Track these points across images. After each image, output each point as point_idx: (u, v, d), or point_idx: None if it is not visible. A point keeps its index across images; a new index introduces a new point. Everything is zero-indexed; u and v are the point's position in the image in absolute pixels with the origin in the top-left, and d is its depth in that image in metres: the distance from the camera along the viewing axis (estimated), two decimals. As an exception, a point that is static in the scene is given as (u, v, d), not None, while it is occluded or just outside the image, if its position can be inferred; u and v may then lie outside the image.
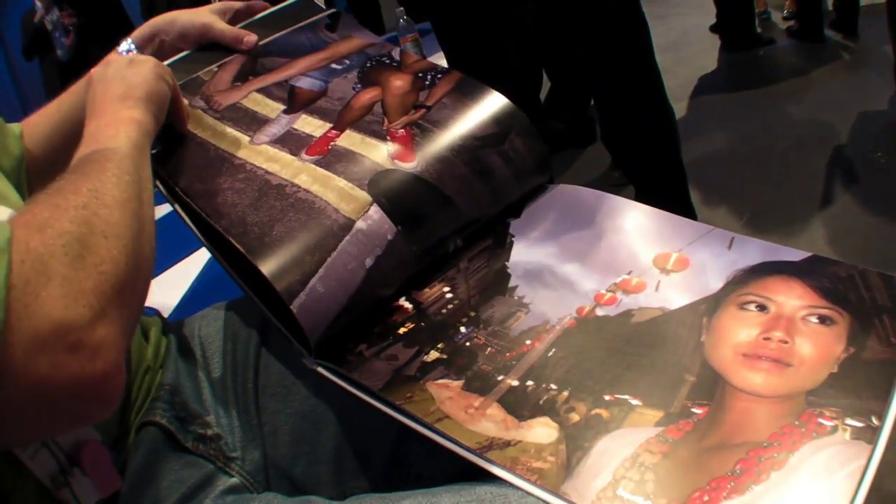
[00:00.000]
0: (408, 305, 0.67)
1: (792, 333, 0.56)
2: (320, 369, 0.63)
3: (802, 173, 2.40)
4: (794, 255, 0.62)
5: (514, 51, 1.93)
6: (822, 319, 0.56)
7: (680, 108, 3.17)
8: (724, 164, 2.66)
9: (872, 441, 0.47)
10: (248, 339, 0.79)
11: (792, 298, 0.58)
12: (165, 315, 1.39)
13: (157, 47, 0.91)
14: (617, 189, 2.61)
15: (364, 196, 0.70)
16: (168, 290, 1.47)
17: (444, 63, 2.25)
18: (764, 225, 2.21)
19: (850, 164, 2.38)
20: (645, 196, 2.08)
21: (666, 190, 2.02)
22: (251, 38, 0.89)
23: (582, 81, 1.96)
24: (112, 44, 0.91)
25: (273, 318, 0.68)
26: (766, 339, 0.56)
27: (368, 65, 0.89)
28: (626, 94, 1.90)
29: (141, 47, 0.91)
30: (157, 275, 1.59)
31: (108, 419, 0.67)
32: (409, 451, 0.71)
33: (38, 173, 0.88)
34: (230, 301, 0.85)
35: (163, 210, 0.76)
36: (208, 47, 0.91)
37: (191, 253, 1.64)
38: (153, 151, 0.74)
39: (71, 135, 0.92)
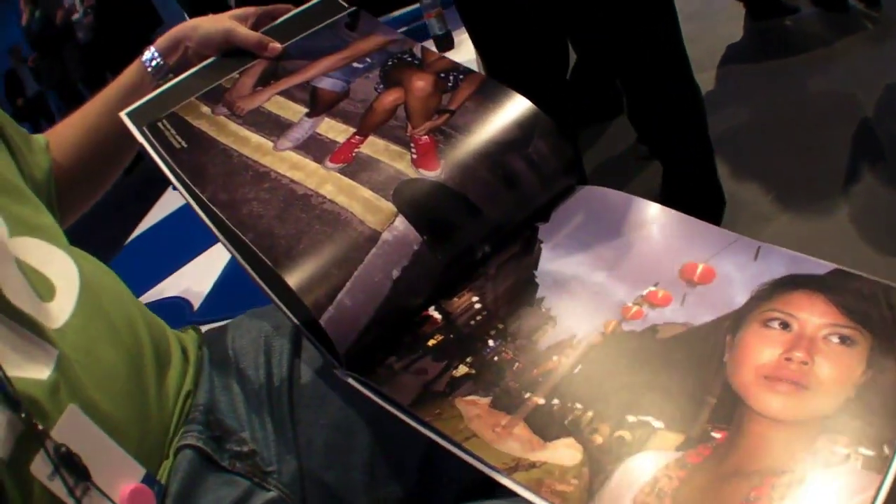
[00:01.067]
0: (437, 315, 0.68)
1: (812, 354, 0.56)
2: (351, 381, 0.64)
3: (827, 147, 2.38)
4: (819, 267, 0.62)
5: (538, 31, 1.92)
6: (843, 339, 0.57)
7: (706, 79, 3.14)
8: (749, 137, 2.63)
9: (882, 471, 0.47)
10: (282, 350, 0.80)
11: (815, 315, 0.58)
12: (195, 305, 1.41)
13: (181, 55, 0.92)
14: (644, 162, 2.60)
15: (389, 207, 0.70)
16: (197, 278, 1.49)
17: (468, 42, 2.25)
18: (790, 202, 2.20)
19: (875, 138, 2.35)
20: (672, 172, 2.08)
21: (693, 166, 2.01)
22: (275, 45, 0.90)
23: (606, 61, 1.94)
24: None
25: (303, 328, 0.69)
26: (788, 359, 0.56)
27: (390, 63, 0.89)
28: (651, 73, 1.88)
29: (165, 55, 0.92)
30: (185, 263, 1.61)
31: (150, 448, 0.68)
32: (440, 456, 0.72)
33: (64, 184, 0.89)
34: (262, 308, 0.86)
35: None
36: (232, 53, 0.91)
37: (218, 241, 1.65)
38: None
39: (97, 145, 0.93)
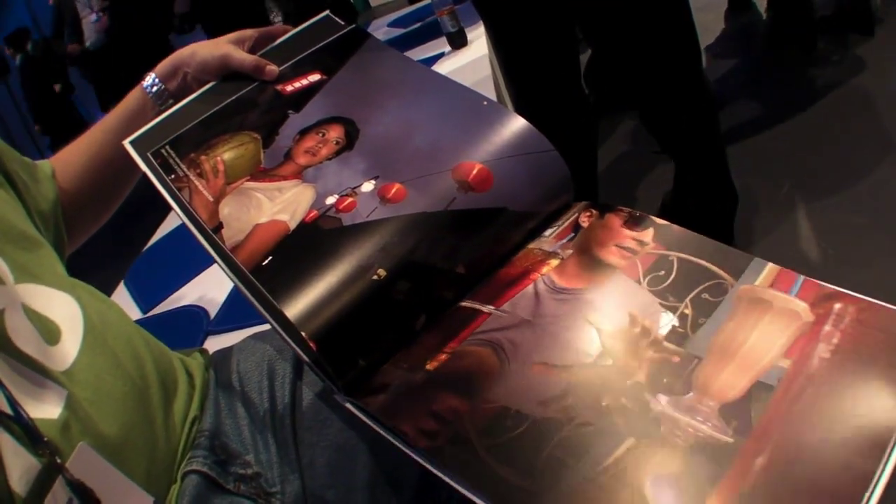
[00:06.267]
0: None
1: None
2: (349, 405, 0.66)
3: (842, 139, 2.37)
4: None
5: (550, 20, 1.91)
6: None
7: (719, 69, 3.12)
8: (763, 128, 2.62)
9: None
10: (284, 374, 0.82)
11: None
12: (212, 313, 1.42)
13: (180, 80, 0.94)
14: (658, 157, 2.60)
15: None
16: (213, 287, 1.50)
17: (481, 39, 2.25)
18: (803, 197, 2.19)
19: (892, 129, 2.33)
20: (684, 170, 2.07)
21: (704, 164, 2.00)
22: (272, 68, 0.91)
23: (618, 53, 1.93)
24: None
25: (302, 355, 0.70)
26: None
27: None
28: (663, 68, 1.86)
29: (165, 80, 0.93)
30: (201, 271, 1.61)
31: (158, 475, 0.71)
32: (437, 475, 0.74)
33: (70, 210, 0.91)
34: (265, 332, 0.87)
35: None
36: (232, 77, 0.92)
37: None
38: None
39: (102, 171, 0.95)
